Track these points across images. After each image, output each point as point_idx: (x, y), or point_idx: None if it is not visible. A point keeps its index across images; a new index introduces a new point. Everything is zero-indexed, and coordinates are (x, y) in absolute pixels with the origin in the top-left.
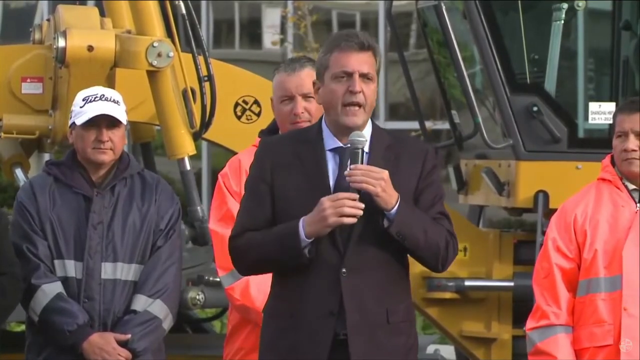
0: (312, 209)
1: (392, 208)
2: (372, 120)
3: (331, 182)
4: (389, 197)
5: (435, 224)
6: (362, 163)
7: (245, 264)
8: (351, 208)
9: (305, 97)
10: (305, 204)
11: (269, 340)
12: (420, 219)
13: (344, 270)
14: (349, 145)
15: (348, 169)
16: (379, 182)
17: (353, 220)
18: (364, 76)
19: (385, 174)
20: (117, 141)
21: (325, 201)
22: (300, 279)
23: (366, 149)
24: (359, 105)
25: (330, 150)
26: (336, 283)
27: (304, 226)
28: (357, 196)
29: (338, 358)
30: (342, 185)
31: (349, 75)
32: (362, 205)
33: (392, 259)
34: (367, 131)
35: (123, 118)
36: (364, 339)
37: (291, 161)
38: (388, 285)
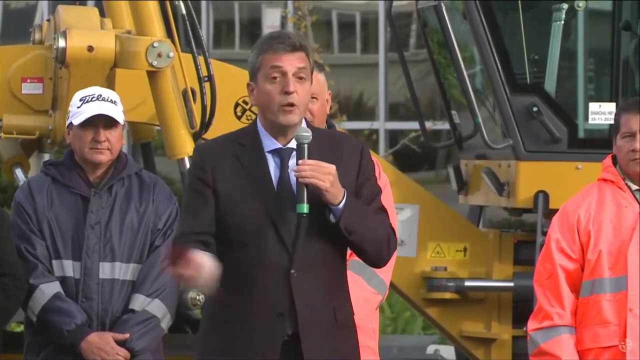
0: (257, 211)
1: (340, 203)
2: (305, 119)
3: (274, 183)
4: (337, 192)
5: (378, 218)
6: (308, 158)
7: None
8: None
9: None
10: (250, 207)
11: (216, 346)
12: (366, 213)
13: (294, 269)
14: (287, 146)
15: (295, 165)
16: (327, 176)
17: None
18: (297, 76)
19: (332, 168)
20: (114, 141)
21: None
22: (246, 282)
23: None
24: (294, 104)
25: (269, 151)
26: (286, 284)
27: None
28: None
29: (289, 359)
30: (285, 186)
31: (283, 75)
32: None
33: (335, 256)
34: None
35: (120, 118)
36: (315, 338)
37: (231, 164)
38: (333, 284)
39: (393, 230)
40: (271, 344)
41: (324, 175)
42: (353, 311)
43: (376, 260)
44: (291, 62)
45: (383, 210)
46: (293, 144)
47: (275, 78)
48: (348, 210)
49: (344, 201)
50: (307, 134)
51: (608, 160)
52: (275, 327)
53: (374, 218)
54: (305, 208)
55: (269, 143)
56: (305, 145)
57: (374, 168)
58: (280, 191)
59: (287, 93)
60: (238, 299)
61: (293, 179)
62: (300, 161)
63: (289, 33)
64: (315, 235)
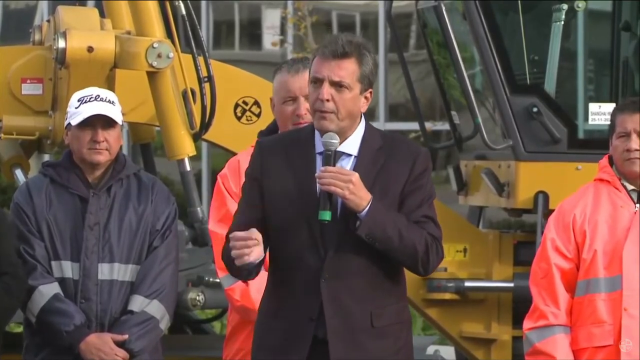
0: (297, 212)
1: (363, 210)
2: (366, 122)
3: (317, 187)
4: (359, 200)
5: (414, 227)
6: (334, 165)
7: (231, 266)
8: (238, 249)
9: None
10: (290, 208)
11: (258, 338)
12: (395, 221)
13: (325, 275)
14: (337, 150)
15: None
16: (347, 184)
17: (245, 260)
18: (336, 84)
19: (354, 176)
20: (112, 141)
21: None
22: (285, 281)
23: (355, 151)
24: (325, 111)
25: (319, 153)
26: (316, 288)
27: None
28: (252, 234)
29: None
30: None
31: (320, 82)
32: (254, 241)
33: (376, 262)
34: (358, 134)
35: (118, 118)
36: (345, 343)
37: (281, 163)
38: (373, 289)
39: (436, 238)
40: (300, 346)
41: (343, 183)
42: (403, 319)
43: (414, 268)
44: (330, 70)
45: (428, 218)
46: (343, 147)
47: (315, 83)
48: (370, 218)
49: (367, 209)
50: (334, 140)
51: (604, 160)
52: (305, 330)
53: (407, 226)
54: (327, 215)
55: (320, 145)
56: (331, 152)
57: (430, 176)
58: (321, 193)
59: (320, 100)
60: (277, 296)
61: None
62: (322, 168)
63: (344, 38)
64: (350, 242)
